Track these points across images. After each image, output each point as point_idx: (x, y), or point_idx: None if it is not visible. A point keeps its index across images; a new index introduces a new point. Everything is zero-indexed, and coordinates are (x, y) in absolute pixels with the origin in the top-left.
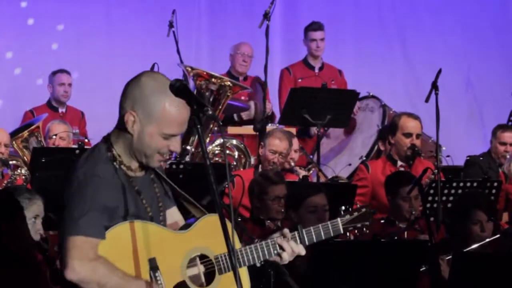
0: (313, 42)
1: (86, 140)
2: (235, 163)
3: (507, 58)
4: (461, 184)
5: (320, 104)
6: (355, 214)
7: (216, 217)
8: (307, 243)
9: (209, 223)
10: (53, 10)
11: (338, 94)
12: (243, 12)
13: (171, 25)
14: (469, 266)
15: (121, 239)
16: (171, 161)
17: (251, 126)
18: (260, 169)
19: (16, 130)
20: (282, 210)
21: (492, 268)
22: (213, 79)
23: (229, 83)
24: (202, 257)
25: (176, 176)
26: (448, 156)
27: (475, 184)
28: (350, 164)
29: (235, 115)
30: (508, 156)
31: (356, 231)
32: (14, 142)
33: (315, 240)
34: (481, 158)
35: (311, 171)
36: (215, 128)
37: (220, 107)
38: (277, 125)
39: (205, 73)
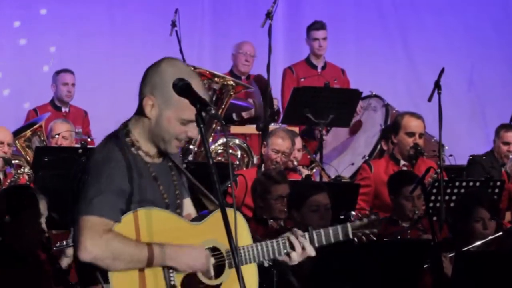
0: (316, 41)
1: (89, 139)
2: (238, 163)
3: (509, 57)
4: (464, 184)
5: (323, 104)
6: (365, 220)
7: (230, 211)
8: (316, 244)
9: (220, 217)
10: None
11: (341, 94)
12: (246, 12)
13: (173, 24)
14: (471, 264)
15: (135, 225)
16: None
17: (254, 126)
18: (263, 169)
19: (19, 129)
20: (285, 209)
21: (495, 267)
22: (215, 79)
23: (232, 82)
24: (214, 250)
25: None
26: (450, 155)
27: (477, 184)
28: (353, 164)
29: (234, 114)
30: (511, 156)
31: (364, 237)
32: (17, 142)
33: (324, 243)
34: (483, 158)
35: (314, 170)
36: (218, 128)
37: (223, 106)
38: (280, 124)
39: (207, 72)
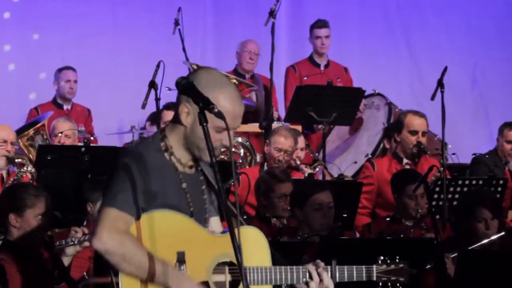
0: (318, 39)
1: (92, 138)
2: (240, 161)
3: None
4: (467, 182)
5: (326, 102)
6: (392, 266)
7: (253, 230)
8: (337, 279)
9: (246, 233)
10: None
11: (344, 92)
12: (249, 10)
13: (176, 23)
14: (474, 264)
15: (155, 225)
16: None
17: (257, 124)
18: (265, 167)
19: (21, 128)
20: (288, 208)
21: (498, 266)
22: None
23: (235, 81)
24: (231, 265)
25: None
26: (453, 154)
27: (480, 182)
28: (355, 162)
29: None
30: None
31: (389, 284)
32: (19, 140)
33: (346, 279)
34: (487, 156)
35: (316, 169)
36: None
37: None
38: (283, 123)
39: None
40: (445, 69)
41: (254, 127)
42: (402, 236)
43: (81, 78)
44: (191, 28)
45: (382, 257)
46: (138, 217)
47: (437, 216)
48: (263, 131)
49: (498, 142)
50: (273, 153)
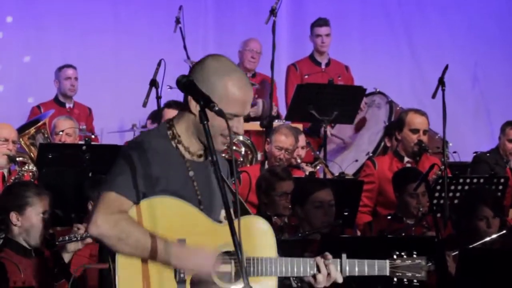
0: (319, 37)
1: (93, 136)
2: (241, 159)
3: None
4: (468, 180)
5: (327, 100)
6: (408, 262)
7: (257, 220)
8: (347, 273)
9: (249, 224)
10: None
11: (345, 90)
12: (250, 8)
13: (178, 21)
14: (475, 262)
15: (155, 211)
16: None
17: (258, 122)
18: (266, 165)
19: (23, 127)
20: (289, 206)
21: (499, 264)
22: None
23: None
24: (234, 254)
25: None
26: (455, 152)
27: (482, 180)
28: (356, 160)
29: None
30: None
31: (405, 280)
32: (21, 139)
33: (356, 273)
34: (488, 155)
35: (317, 167)
36: None
37: None
38: (284, 121)
39: None
40: (446, 67)
41: (255, 125)
42: (403, 234)
43: (82, 77)
44: (192, 26)
45: (397, 252)
46: (138, 201)
47: (438, 215)
48: (264, 129)
49: (500, 140)
50: (274, 152)
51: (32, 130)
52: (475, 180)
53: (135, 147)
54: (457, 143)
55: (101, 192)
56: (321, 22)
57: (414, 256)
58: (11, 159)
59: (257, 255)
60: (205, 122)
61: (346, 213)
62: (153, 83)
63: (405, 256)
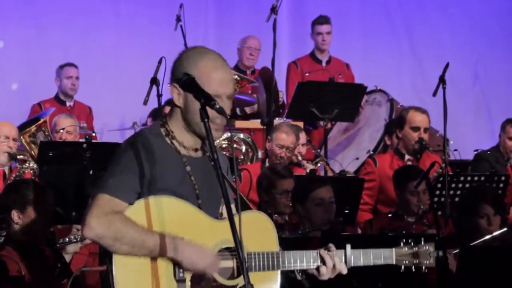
0: (319, 35)
1: (93, 134)
2: (242, 157)
3: None
4: (469, 178)
5: (328, 98)
6: (415, 249)
7: (258, 214)
8: (352, 264)
9: (249, 218)
10: None
11: (346, 88)
12: (250, 6)
13: (178, 19)
14: (476, 260)
15: (152, 211)
16: None
17: (259, 120)
18: (267, 163)
19: (23, 125)
20: (290, 204)
21: (500, 262)
22: None
23: (236, 77)
24: (234, 250)
25: None
26: (455, 150)
27: (482, 178)
28: (357, 158)
29: (237, 109)
30: None
31: (413, 268)
32: (21, 137)
33: (361, 264)
34: (488, 153)
35: (318, 165)
36: None
37: None
38: (285, 119)
39: None
40: (447, 65)
41: (255, 123)
42: (404, 232)
43: (83, 75)
44: (193, 24)
45: (404, 240)
46: (133, 202)
47: (439, 212)
48: (264, 127)
49: (500, 138)
50: (275, 150)
51: (33, 128)
52: (475, 178)
53: (129, 147)
54: (457, 141)
55: (94, 194)
56: (322, 20)
57: (422, 243)
58: (12, 157)
59: (259, 250)
60: (206, 120)
61: (346, 211)
62: (154, 81)
63: (412, 244)
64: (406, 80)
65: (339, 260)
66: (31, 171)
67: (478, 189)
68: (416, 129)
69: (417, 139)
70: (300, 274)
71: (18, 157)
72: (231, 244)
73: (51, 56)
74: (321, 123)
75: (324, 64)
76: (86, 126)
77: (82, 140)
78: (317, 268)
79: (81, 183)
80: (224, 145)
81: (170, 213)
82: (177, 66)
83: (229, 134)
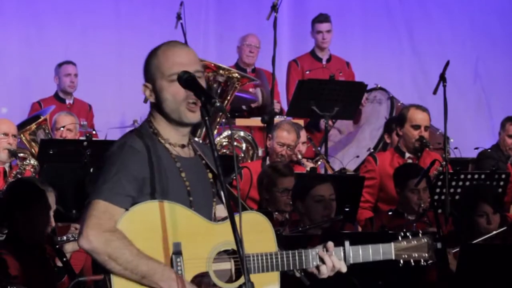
0: (319, 34)
1: (94, 132)
2: (242, 155)
3: None
4: (469, 176)
5: (328, 96)
6: (413, 242)
7: (255, 215)
8: (351, 261)
9: (246, 219)
10: None
11: (346, 86)
12: (251, 4)
13: (179, 17)
14: (476, 258)
15: (147, 217)
16: None
17: (259, 118)
18: (267, 161)
19: (24, 122)
20: (291, 202)
21: (500, 260)
22: (220, 71)
23: (237, 74)
24: (233, 253)
25: None
26: (456, 148)
27: (483, 176)
28: (358, 156)
29: (243, 106)
30: None
31: (412, 261)
32: (22, 135)
33: (361, 260)
34: (489, 151)
35: (318, 163)
36: (223, 120)
37: (229, 97)
38: (285, 117)
39: (212, 64)
40: (447, 63)
41: (256, 121)
42: (404, 230)
43: (84, 73)
44: (193, 22)
45: (402, 233)
46: (128, 206)
47: (439, 210)
48: (265, 125)
49: (500, 136)
50: (276, 148)
51: (33, 126)
52: (476, 176)
53: (120, 150)
54: (458, 139)
55: (89, 200)
56: (322, 18)
57: (420, 235)
58: (12, 154)
59: (257, 251)
60: (206, 118)
61: (347, 209)
62: None
63: (410, 237)
64: (406, 78)
65: (338, 258)
66: (32, 169)
67: (476, 188)
68: (416, 127)
69: (418, 137)
70: (299, 271)
71: (18, 154)
72: (230, 247)
73: (52, 54)
74: (323, 124)
75: (324, 62)
76: (86, 124)
77: (83, 138)
78: (317, 267)
79: (82, 181)
80: (224, 143)
81: (167, 218)
82: (145, 66)
83: (229, 132)
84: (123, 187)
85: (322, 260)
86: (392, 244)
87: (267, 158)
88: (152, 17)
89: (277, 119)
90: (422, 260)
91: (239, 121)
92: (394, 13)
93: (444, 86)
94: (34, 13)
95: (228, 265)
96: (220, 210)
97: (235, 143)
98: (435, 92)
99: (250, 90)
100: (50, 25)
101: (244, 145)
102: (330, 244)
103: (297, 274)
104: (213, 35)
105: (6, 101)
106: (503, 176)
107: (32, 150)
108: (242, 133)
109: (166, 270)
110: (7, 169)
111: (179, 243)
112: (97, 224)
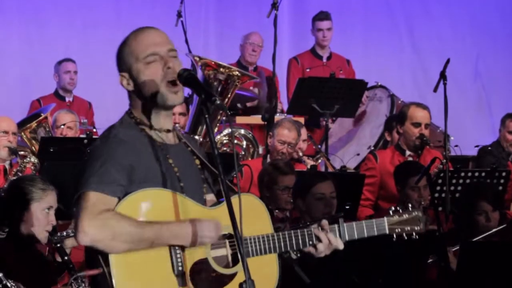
0: (320, 32)
1: (94, 130)
2: (243, 153)
3: None
4: (469, 174)
5: (328, 94)
6: (405, 216)
7: (249, 197)
8: (347, 238)
9: (242, 202)
10: None
11: (346, 84)
12: (251, 2)
13: (179, 14)
14: (476, 255)
15: (142, 206)
16: None
17: (259, 116)
18: (268, 159)
19: (24, 120)
20: (291, 200)
21: (499, 257)
22: (221, 69)
23: (237, 72)
24: (230, 237)
25: None
26: (456, 145)
27: (483, 174)
28: (358, 154)
29: (238, 104)
30: None
31: (405, 235)
32: (22, 133)
33: (356, 237)
34: (489, 148)
35: (319, 161)
36: (223, 118)
37: (229, 96)
38: (285, 115)
39: (213, 62)
40: (448, 61)
41: (256, 119)
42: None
43: (84, 71)
44: (194, 20)
45: (393, 208)
46: (120, 194)
47: (440, 208)
48: (265, 123)
49: (500, 133)
50: (277, 146)
51: (34, 124)
52: (476, 174)
53: (104, 142)
54: (458, 137)
55: (79, 193)
56: (322, 16)
57: (410, 209)
58: (12, 151)
59: (254, 234)
60: (206, 116)
61: (347, 207)
62: None
63: (401, 211)
64: (407, 76)
65: (334, 236)
66: (32, 167)
67: (476, 186)
68: (417, 125)
69: (418, 135)
70: (295, 252)
71: (19, 152)
72: (226, 231)
73: (52, 52)
74: (324, 122)
75: (324, 60)
76: (87, 121)
77: (83, 136)
78: (314, 246)
79: None
80: (225, 141)
81: (161, 206)
82: (117, 57)
83: (229, 130)
84: (113, 177)
85: (318, 239)
86: (385, 218)
87: (268, 156)
88: (153, 15)
89: (277, 117)
90: (414, 234)
91: (240, 119)
92: (395, 10)
93: (445, 84)
94: (34, 11)
95: (224, 251)
96: (210, 202)
97: (235, 141)
98: (435, 90)
99: (250, 88)
100: (50, 23)
101: (244, 143)
102: (325, 221)
103: (293, 256)
104: (213, 33)
105: (6, 99)
106: (504, 173)
107: (33, 148)
108: (242, 131)
109: (172, 226)
110: (7, 167)
111: (178, 223)
112: (89, 214)
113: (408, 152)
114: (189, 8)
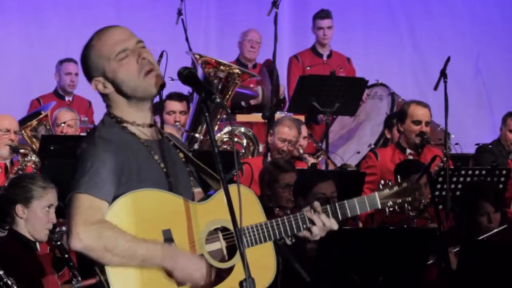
0: (320, 30)
1: None
2: (243, 151)
3: None
4: (470, 172)
5: (329, 92)
6: (395, 188)
7: (240, 187)
8: (340, 217)
9: (232, 193)
10: None
11: (347, 82)
12: (252, 0)
13: (179, 12)
14: (477, 255)
15: (132, 209)
16: None
17: (260, 114)
18: (269, 157)
19: (24, 119)
20: (292, 198)
21: (500, 257)
22: (221, 67)
23: (237, 70)
24: (224, 230)
25: None
26: (456, 144)
27: (484, 172)
28: (358, 152)
29: (242, 102)
30: None
31: (397, 207)
32: (23, 131)
33: (349, 215)
34: (489, 146)
35: (319, 159)
36: (224, 116)
37: (229, 93)
38: (286, 113)
39: (213, 60)
40: (448, 59)
41: (257, 117)
42: (405, 226)
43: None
44: (194, 18)
45: (382, 181)
46: (110, 198)
47: (440, 206)
48: (266, 121)
49: (501, 131)
50: (277, 143)
51: (34, 122)
52: (477, 172)
53: (90, 145)
54: (459, 135)
55: (71, 196)
56: (323, 14)
57: (399, 180)
58: (14, 150)
59: (247, 224)
60: (207, 114)
61: None
62: None
63: (390, 184)
64: (407, 74)
65: (327, 217)
66: (33, 165)
67: (477, 186)
68: (417, 123)
69: (418, 132)
70: (290, 238)
71: (20, 151)
72: (219, 225)
73: (52, 51)
74: (323, 118)
75: (325, 58)
76: (87, 120)
77: (83, 134)
78: (308, 230)
79: None
80: (225, 139)
81: (151, 207)
82: (84, 63)
83: (230, 128)
84: (103, 178)
85: (311, 221)
86: (376, 193)
87: (268, 154)
88: (153, 13)
89: (278, 115)
90: (406, 205)
91: (240, 117)
92: (395, 9)
93: (445, 82)
94: (34, 11)
95: (218, 245)
96: (197, 195)
97: (235, 139)
98: (436, 88)
99: (251, 86)
100: (50, 22)
101: (245, 141)
102: (317, 203)
103: (288, 242)
104: (214, 31)
105: (6, 98)
106: (504, 172)
107: (33, 146)
108: (242, 129)
109: (166, 248)
110: (8, 165)
111: (168, 230)
112: (84, 220)
113: (408, 150)
114: (189, 6)
